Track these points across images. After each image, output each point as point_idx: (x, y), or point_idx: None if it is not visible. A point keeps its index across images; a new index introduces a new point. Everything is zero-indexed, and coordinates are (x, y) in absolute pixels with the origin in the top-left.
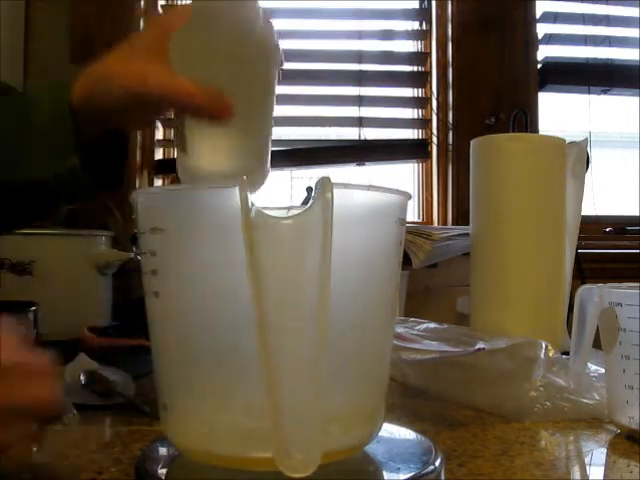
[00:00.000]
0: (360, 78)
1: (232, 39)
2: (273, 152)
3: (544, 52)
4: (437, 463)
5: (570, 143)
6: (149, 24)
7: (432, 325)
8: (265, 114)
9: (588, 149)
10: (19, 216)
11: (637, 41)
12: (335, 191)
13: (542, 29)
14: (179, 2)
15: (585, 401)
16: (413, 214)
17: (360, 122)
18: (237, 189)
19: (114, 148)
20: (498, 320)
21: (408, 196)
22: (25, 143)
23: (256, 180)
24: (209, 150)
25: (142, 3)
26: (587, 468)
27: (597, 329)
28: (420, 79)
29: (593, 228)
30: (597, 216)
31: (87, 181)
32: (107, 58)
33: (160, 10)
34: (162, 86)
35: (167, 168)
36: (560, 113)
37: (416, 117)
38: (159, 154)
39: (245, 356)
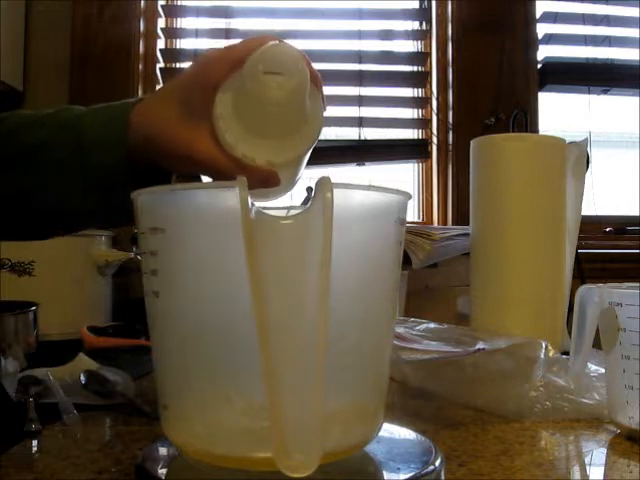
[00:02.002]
0: (360, 78)
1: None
2: None
3: (544, 52)
4: (437, 463)
5: (570, 143)
6: (195, 71)
7: (432, 325)
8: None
9: (588, 149)
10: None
11: (637, 41)
12: (335, 191)
13: (542, 29)
14: (178, 2)
15: (585, 401)
16: (413, 214)
17: (360, 122)
18: (237, 189)
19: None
20: (498, 320)
21: (408, 196)
22: (80, 176)
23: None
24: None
25: (142, 3)
26: (587, 468)
27: (597, 329)
28: (420, 79)
29: (593, 228)
30: (597, 216)
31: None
32: (156, 109)
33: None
34: (206, 162)
35: None
36: (560, 113)
37: (416, 117)
38: None
39: (245, 356)
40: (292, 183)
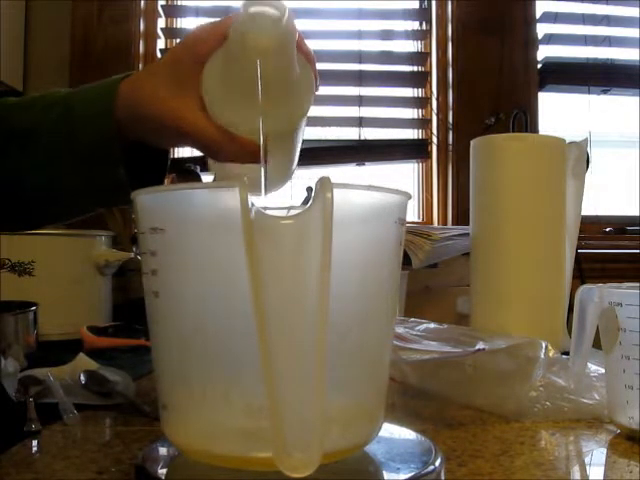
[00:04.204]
0: (360, 78)
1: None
2: None
3: (544, 52)
4: (437, 463)
5: (570, 143)
6: (183, 47)
7: (432, 325)
8: (295, 142)
9: (588, 149)
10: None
11: (637, 41)
12: (335, 191)
13: (542, 29)
14: (178, 2)
15: (585, 401)
16: (413, 214)
17: (360, 122)
18: (237, 189)
19: (155, 161)
20: (498, 320)
21: (408, 196)
22: (71, 152)
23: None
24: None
25: (142, 3)
26: (587, 468)
27: (597, 329)
28: (420, 79)
29: (593, 228)
30: (597, 216)
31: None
32: (145, 81)
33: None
34: (194, 132)
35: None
36: (560, 113)
37: (416, 117)
38: None
39: (245, 356)
40: (286, 169)
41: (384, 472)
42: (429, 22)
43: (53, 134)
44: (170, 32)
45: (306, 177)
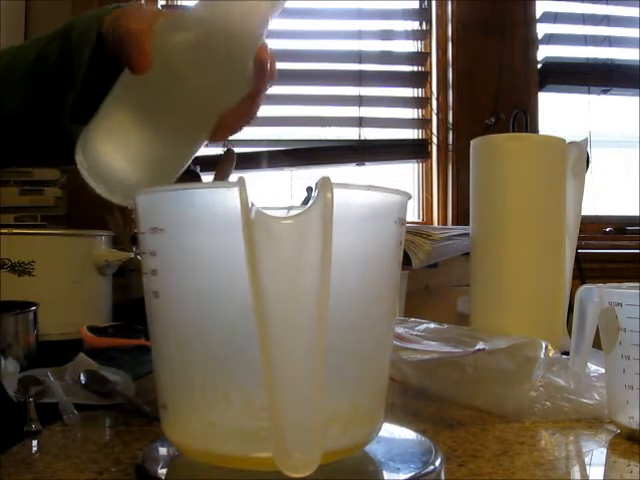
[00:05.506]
0: (360, 78)
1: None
2: (273, 152)
3: (544, 52)
4: (437, 463)
5: (570, 143)
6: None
7: (432, 325)
8: (188, 149)
9: (588, 149)
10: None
11: (637, 41)
12: (335, 191)
13: (542, 29)
14: (178, 2)
15: (585, 401)
16: (413, 214)
17: (360, 122)
18: (237, 189)
19: None
20: (498, 320)
21: (408, 196)
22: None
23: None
24: (114, 141)
25: (142, 3)
26: (587, 468)
27: (597, 329)
28: (420, 79)
29: (593, 228)
30: (597, 216)
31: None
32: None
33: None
34: (128, 25)
35: None
36: (560, 113)
37: (416, 117)
38: None
39: (245, 356)
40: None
41: (384, 472)
42: (429, 22)
43: (55, 57)
44: None
45: (306, 177)
